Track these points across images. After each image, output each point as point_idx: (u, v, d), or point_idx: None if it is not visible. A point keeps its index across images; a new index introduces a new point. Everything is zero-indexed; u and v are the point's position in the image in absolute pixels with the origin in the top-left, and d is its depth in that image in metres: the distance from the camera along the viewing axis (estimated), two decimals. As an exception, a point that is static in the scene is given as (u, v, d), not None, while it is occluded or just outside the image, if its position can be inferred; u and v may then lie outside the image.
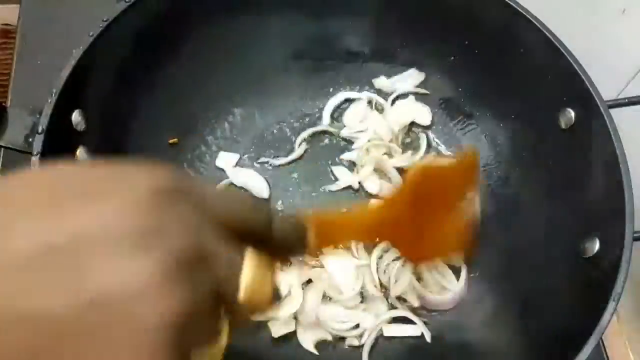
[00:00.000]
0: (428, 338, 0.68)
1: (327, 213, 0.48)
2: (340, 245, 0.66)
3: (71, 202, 0.24)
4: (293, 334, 0.68)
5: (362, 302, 0.70)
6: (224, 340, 0.30)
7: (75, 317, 0.22)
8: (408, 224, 0.50)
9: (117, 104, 0.66)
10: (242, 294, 0.29)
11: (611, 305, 0.51)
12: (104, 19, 0.61)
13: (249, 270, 0.29)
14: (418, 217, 0.51)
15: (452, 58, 0.76)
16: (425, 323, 0.69)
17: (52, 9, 0.90)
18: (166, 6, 0.67)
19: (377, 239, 0.58)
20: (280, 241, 0.34)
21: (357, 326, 0.69)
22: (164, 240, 0.24)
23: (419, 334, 0.68)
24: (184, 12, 0.69)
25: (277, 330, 0.67)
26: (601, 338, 0.52)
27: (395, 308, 0.70)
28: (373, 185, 0.77)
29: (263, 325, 0.68)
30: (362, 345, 0.68)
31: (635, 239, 0.54)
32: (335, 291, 0.69)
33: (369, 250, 0.73)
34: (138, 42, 0.66)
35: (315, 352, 0.67)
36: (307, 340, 0.67)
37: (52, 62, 0.59)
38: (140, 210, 0.24)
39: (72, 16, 0.88)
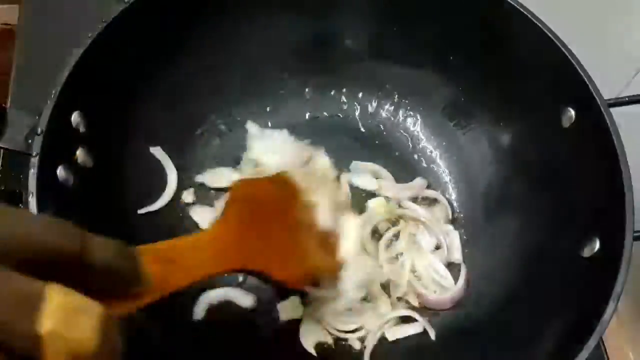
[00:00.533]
0: (432, 336, 0.68)
1: (163, 243, 0.41)
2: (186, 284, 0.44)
3: None
4: (294, 333, 0.68)
5: (365, 300, 0.70)
6: None
7: None
8: (258, 243, 0.49)
9: (118, 104, 0.66)
10: (45, 341, 0.22)
11: (611, 305, 0.51)
12: (104, 19, 0.61)
13: (52, 310, 0.23)
14: (263, 234, 0.50)
15: (452, 58, 0.76)
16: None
17: (52, 9, 0.90)
18: (166, 6, 0.67)
19: (235, 267, 0.50)
20: (102, 273, 0.29)
21: (359, 328, 0.69)
22: None
23: (421, 329, 0.68)
24: (183, 13, 0.69)
25: (285, 314, 0.68)
26: (601, 338, 0.52)
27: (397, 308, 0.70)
28: (370, 183, 0.77)
29: (263, 326, 0.68)
30: (364, 348, 0.67)
31: (635, 239, 0.54)
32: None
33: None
34: (138, 42, 0.66)
35: (314, 353, 0.67)
36: (308, 342, 0.67)
37: (52, 62, 0.59)
38: None
39: (72, 16, 0.88)
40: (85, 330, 0.23)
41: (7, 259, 0.24)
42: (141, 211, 0.70)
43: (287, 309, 0.68)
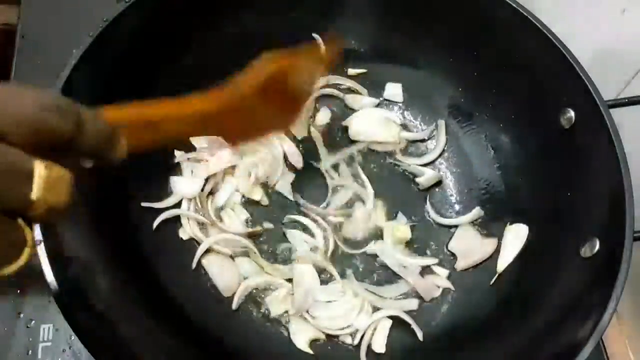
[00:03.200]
0: (420, 337, 0.68)
1: (143, 107, 0.42)
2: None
3: None
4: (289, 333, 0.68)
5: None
6: (22, 258, 0.31)
7: None
8: (242, 113, 0.48)
9: (118, 103, 0.66)
10: (34, 205, 0.29)
11: (611, 305, 0.51)
12: (104, 19, 0.61)
13: (40, 178, 0.29)
14: (256, 107, 0.48)
15: (451, 59, 0.76)
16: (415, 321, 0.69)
17: (52, 9, 0.90)
18: (166, 6, 0.67)
19: (201, 131, 0.52)
20: (87, 148, 0.33)
21: (349, 326, 0.69)
22: None
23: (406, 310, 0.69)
24: (183, 12, 0.69)
25: (276, 308, 0.68)
26: (601, 338, 0.52)
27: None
28: None
29: (260, 328, 0.68)
30: (359, 344, 0.67)
31: (635, 239, 0.54)
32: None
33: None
34: (138, 42, 0.66)
35: (310, 351, 0.67)
36: (301, 340, 0.67)
37: (52, 62, 0.59)
38: None
39: (72, 16, 0.88)
40: (61, 194, 0.31)
41: (5, 134, 0.28)
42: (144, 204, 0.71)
43: (277, 304, 0.69)
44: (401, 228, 0.74)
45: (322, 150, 0.79)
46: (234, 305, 0.68)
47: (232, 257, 0.71)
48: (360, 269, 0.73)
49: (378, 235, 0.74)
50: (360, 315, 0.69)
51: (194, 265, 0.70)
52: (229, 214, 0.74)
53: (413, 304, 0.70)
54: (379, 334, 0.68)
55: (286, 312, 0.69)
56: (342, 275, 0.71)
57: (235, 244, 0.71)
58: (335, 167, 0.78)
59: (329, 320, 0.68)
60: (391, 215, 0.76)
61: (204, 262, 0.71)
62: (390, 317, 0.69)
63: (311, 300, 0.68)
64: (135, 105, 0.40)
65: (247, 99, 0.47)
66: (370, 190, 0.76)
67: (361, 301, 0.70)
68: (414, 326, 0.68)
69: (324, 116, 0.81)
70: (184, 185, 0.73)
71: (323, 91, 0.82)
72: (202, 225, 0.72)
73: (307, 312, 0.68)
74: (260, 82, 0.48)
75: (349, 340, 0.68)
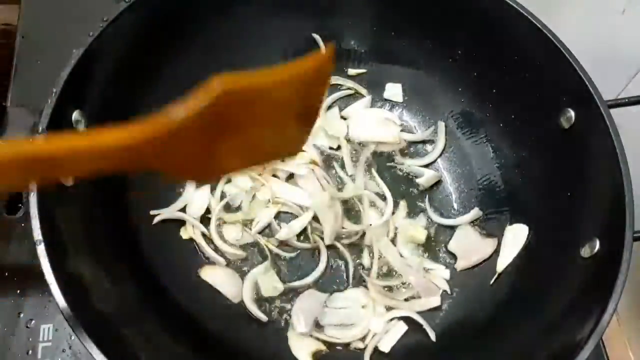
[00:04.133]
0: (433, 337, 0.67)
1: (26, 143, 0.33)
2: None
3: None
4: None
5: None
6: None
7: None
8: (197, 142, 0.38)
9: (117, 103, 0.66)
10: None
11: (611, 305, 0.51)
12: (104, 19, 0.61)
13: None
14: (224, 134, 0.39)
15: (451, 60, 0.76)
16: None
17: (52, 9, 0.90)
18: (166, 6, 0.67)
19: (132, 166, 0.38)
20: None
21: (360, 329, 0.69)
22: None
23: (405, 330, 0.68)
24: (183, 12, 0.69)
25: (267, 290, 0.69)
26: (601, 338, 0.52)
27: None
28: None
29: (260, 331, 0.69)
30: (365, 346, 0.67)
31: (635, 239, 0.54)
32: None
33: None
34: (138, 42, 0.66)
35: None
36: (302, 354, 0.66)
37: (52, 62, 0.59)
38: None
39: (72, 16, 0.88)
40: None
41: None
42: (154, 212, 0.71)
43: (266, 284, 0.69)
44: (418, 229, 0.74)
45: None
46: (263, 317, 0.68)
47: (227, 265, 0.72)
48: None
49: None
50: (374, 318, 0.69)
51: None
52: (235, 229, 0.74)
53: (420, 304, 0.70)
54: (390, 335, 0.68)
55: (285, 314, 0.68)
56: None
57: (232, 256, 0.72)
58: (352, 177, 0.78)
59: (339, 330, 0.68)
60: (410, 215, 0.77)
61: (203, 276, 0.70)
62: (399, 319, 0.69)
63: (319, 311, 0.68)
64: (18, 142, 0.32)
65: (186, 126, 0.38)
66: (390, 200, 0.76)
67: (373, 303, 0.69)
68: (426, 327, 0.68)
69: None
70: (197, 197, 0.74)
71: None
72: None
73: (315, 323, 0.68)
74: (202, 106, 0.38)
75: (359, 345, 0.68)
